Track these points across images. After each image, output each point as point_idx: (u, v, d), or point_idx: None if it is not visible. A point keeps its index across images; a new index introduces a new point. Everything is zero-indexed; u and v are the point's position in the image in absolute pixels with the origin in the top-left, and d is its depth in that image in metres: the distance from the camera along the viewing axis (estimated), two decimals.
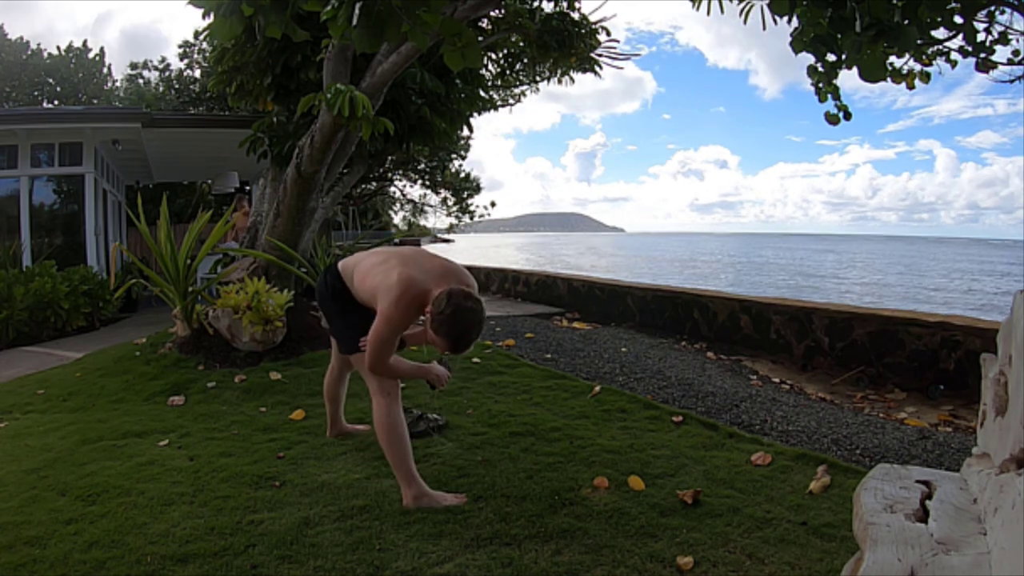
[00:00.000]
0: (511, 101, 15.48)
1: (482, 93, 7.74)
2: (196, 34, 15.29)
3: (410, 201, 24.03)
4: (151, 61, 21.37)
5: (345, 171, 6.53)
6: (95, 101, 20.29)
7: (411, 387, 3.50)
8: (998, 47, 3.00)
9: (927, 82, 3.25)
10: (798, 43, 2.59)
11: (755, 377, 4.60)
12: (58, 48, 21.39)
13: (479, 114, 13.66)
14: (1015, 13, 2.85)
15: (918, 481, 1.45)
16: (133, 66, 21.01)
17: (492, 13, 5.76)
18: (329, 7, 1.67)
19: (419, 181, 21.43)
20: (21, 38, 20.17)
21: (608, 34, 5.85)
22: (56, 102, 20.23)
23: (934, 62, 3.27)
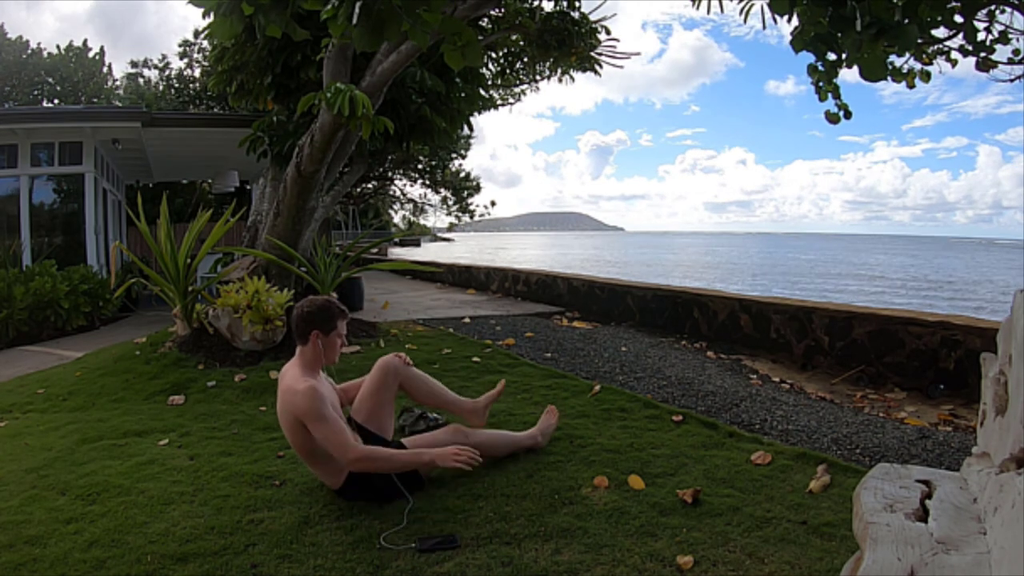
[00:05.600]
0: (511, 100, 15.48)
1: (482, 92, 7.74)
2: (196, 33, 15.30)
3: (410, 200, 24.06)
4: (151, 59, 21.38)
5: (345, 170, 6.54)
6: (95, 100, 20.28)
7: None
8: (998, 46, 3.00)
9: (927, 81, 3.25)
10: (798, 42, 2.58)
11: (755, 376, 4.60)
12: (58, 47, 21.39)
13: (479, 113, 13.64)
14: (1015, 12, 2.85)
15: (918, 480, 1.45)
16: (133, 64, 21.05)
17: (492, 12, 5.76)
18: (329, 6, 1.67)
19: (419, 180, 21.45)
20: (20, 37, 20.14)
21: (608, 33, 5.85)
22: (56, 101, 20.21)
23: (934, 61, 3.27)
